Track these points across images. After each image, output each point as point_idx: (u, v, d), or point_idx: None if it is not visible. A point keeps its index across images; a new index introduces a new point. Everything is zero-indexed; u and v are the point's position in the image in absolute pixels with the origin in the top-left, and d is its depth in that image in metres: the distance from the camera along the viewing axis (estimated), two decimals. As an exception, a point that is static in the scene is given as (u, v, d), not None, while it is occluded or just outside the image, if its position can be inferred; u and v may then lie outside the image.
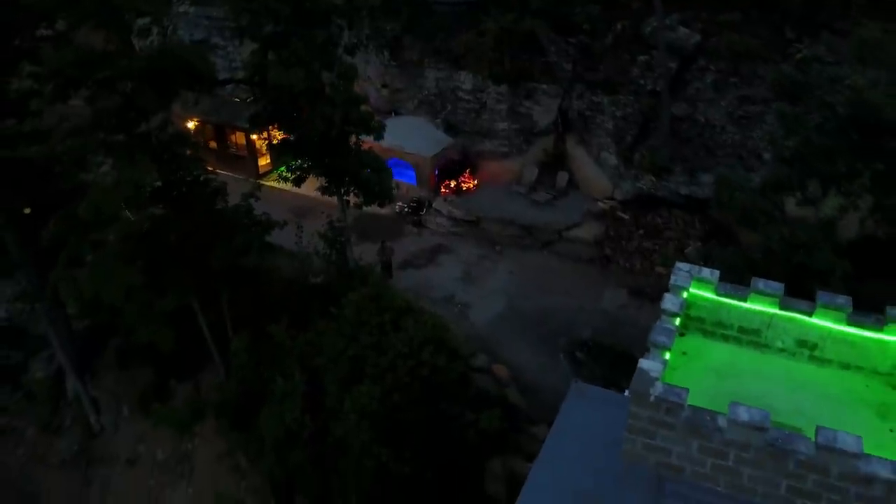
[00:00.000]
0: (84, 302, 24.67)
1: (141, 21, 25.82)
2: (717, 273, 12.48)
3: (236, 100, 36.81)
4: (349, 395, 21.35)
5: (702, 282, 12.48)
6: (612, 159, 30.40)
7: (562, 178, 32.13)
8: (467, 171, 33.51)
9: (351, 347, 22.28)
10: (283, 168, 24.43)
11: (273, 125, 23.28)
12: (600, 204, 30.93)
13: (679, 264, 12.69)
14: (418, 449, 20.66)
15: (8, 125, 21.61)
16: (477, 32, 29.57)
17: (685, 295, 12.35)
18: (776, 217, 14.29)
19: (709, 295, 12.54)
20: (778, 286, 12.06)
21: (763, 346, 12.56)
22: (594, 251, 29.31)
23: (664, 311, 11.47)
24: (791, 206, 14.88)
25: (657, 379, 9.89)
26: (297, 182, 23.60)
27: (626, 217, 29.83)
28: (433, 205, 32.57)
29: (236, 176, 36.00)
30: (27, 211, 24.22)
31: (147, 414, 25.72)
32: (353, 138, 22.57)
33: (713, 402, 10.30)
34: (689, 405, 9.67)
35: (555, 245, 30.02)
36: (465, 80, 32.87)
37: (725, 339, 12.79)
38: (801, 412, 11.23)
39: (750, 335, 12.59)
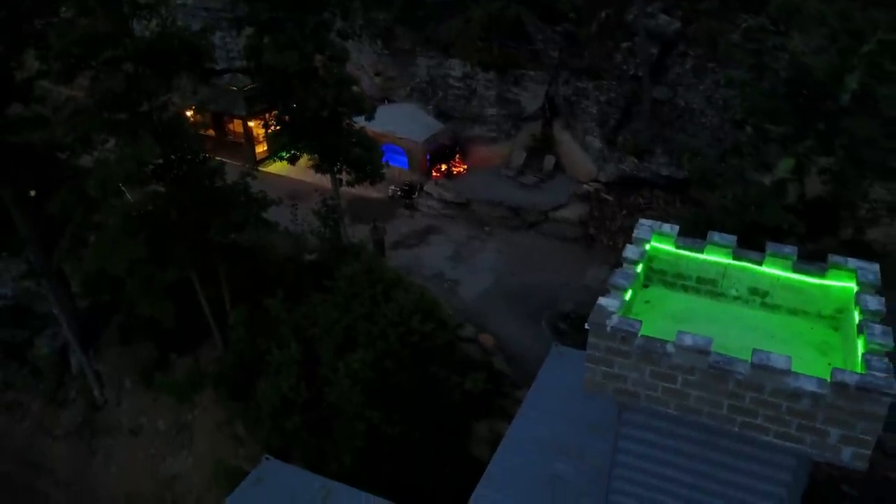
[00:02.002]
0: (87, 279, 25.86)
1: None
2: (676, 227, 13.56)
3: (234, 88, 37.85)
4: (342, 362, 22.50)
5: (662, 236, 13.56)
6: (597, 143, 31.52)
7: (549, 161, 33.27)
8: (458, 155, 34.65)
9: (344, 318, 23.40)
10: (282, 152, 25.46)
11: (269, 106, 24.28)
12: (585, 186, 32.05)
13: (642, 220, 13.81)
14: (407, 411, 21.80)
15: (13, 111, 22.73)
16: (464, 19, 30.67)
17: (647, 247, 13.46)
18: (732, 179, 15.38)
19: (669, 248, 13.63)
20: (731, 238, 13.16)
21: (719, 295, 13.64)
22: (579, 231, 30.44)
23: (625, 259, 12.58)
24: (755, 171, 15.98)
25: (614, 313, 10.98)
26: (292, 160, 24.66)
27: (610, 198, 30.95)
28: (425, 188, 33.68)
29: (234, 163, 37.07)
30: (32, 193, 25.31)
31: (148, 386, 26.81)
32: (345, 119, 23.62)
33: None
34: (642, 335, 10.73)
35: (541, 225, 31.16)
36: (455, 67, 33.97)
37: (686, 289, 13.85)
38: (750, 351, 12.34)
39: (707, 285, 13.67)
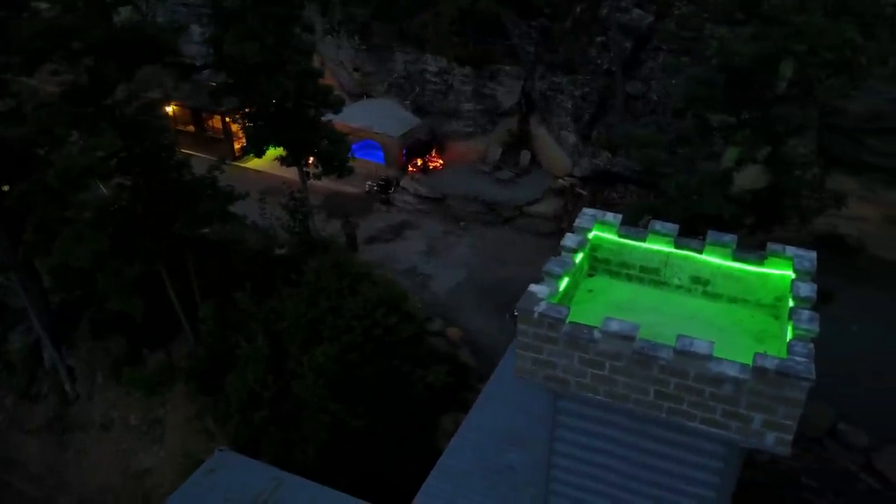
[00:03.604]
0: (57, 273, 25.81)
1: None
2: (619, 217, 13.56)
3: (213, 84, 37.87)
4: (307, 355, 22.52)
5: (605, 224, 13.55)
6: (571, 137, 31.51)
7: (524, 156, 33.27)
8: (434, 150, 34.63)
9: (310, 311, 23.41)
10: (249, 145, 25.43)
11: (238, 100, 24.26)
12: (560, 181, 32.06)
13: (585, 209, 13.81)
14: (371, 404, 21.80)
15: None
16: (433, 14, 30.65)
17: (589, 236, 13.46)
18: (681, 169, 15.36)
19: (612, 237, 13.63)
20: (672, 227, 13.15)
21: (663, 284, 13.63)
22: (553, 225, 30.44)
23: (562, 248, 12.57)
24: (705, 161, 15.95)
25: (543, 300, 10.97)
26: (258, 153, 24.64)
27: (585, 193, 30.96)
28: (401, 183, 33.67)
29: (213, 158, 37.01)
30: (6, 188, 25.27)
31: (120, 382, 26.81)
32: (311, 112, 23.61)
33: None
34: (569, 321, 10.73)
35: (515, 220, 31.16)
36: (431, 62, 33.96)
37: (630, 278, 13.85)
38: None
39: (651, 274, 13.67)
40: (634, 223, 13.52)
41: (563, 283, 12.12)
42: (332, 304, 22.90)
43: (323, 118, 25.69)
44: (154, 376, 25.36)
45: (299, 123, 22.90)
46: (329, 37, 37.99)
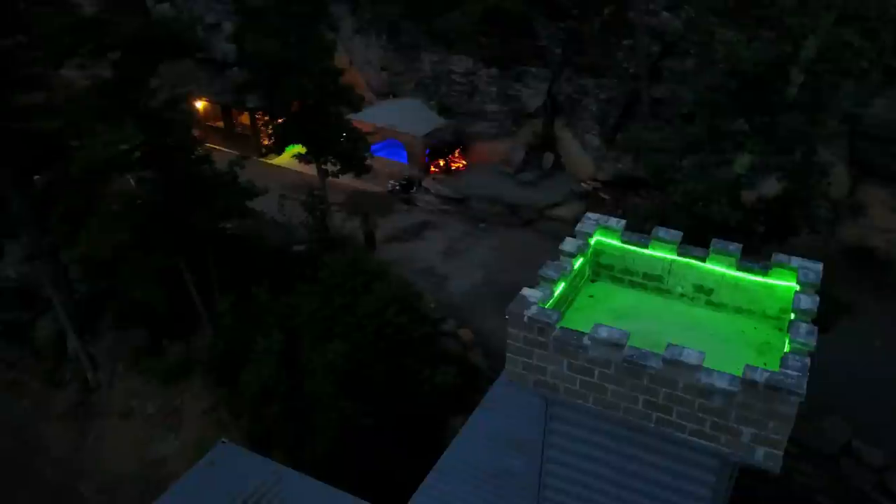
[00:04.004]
0: (83, 263, 26.51)
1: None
2: (622, 222, 13.35)
3: (255, 80, 38.37)
4: (318, 352, 22.68)
5: (608, 230, 13.36)
6: (596, 141, 31.18)
7: (548, 159, 33.02)
8: (458, 151, 34.58)
9: (324, 308, 23.59)
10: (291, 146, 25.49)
11: (254, 94, 24.58)
12: (583, 185, 31.73)
13: (588, 214, 13.65)
14: (381, 402, 21.84)
15: (35, 99, 23.25)
16: (461, 12, 30.57)
17: (590, 241, 13.29)
18: (693, 175, 14.99)
19: (615, 243, 13.43)
20: (676, 234, 12.88)
21: (665, 292, 13.38)
22: (574, 229, 30.06)
23: (561, 252, 12.43)
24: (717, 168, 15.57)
25: (534, 303, 10.85)
26: (278, 150, 24.89)
27: (607, 198, 30.59)
28: (423, 183, 33.71)
29: (240, 154, 37.56)
30: (36, 177, 25.97)
31: (139, 370, 27.35)
32: (331, 110, 23.76)
33: None
34: (560, 326, 10.59)
35: (536, 223, 30.94)
36: (458, 63, 33.91)
37: (632, 285, 13.63)
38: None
39: (654, 281, 13.42)
40: (640, 229, 13.29)
41: (559, 288, 11.99)
42: (346, 302, 23.03)
43: (347, 116, 25.87)
44: (171, 366, 25.83)
45: (318, 121, 23.07)
46: (358, 35, 38.25)
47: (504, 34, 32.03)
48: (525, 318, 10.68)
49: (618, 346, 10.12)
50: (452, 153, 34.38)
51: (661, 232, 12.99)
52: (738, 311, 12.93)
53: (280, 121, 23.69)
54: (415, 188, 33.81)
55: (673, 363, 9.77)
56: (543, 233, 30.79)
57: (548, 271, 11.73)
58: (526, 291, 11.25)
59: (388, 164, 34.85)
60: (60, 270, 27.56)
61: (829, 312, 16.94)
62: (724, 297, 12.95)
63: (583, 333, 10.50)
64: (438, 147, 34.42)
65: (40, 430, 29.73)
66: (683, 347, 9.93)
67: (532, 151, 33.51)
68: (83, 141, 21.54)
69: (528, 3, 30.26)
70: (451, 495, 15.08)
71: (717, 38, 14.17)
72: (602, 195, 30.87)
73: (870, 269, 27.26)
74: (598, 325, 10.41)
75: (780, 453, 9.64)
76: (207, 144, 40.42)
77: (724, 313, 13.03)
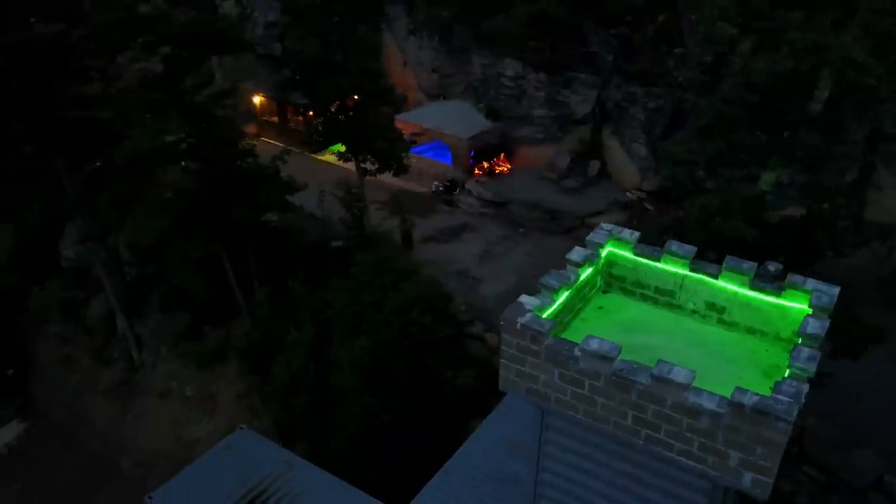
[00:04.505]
0: (131, 248, 27.68)
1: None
2: (636, 234, 13.14)
3: (297, 78, 39.34)
4: (345, 347, 23.06)
5: (621, 242, 13.17)
6: (643, 150, 30.64)
7: (593, 166, 32.63)
8: (502, 154, 34.53)
9: (354, 304, 23.96)
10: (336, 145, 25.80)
11: (295, 90, 25.12)
12: (628, 194, 31.22)
13: (602, 224, 13.49)
14: (402, 400, 22.05)
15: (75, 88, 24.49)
16: (505, 16, 30.49)
17: (601, 252, 13.15)
18: (719, 189, 14.53)
19: (628, 255, 13.24)
20: (690, 249, 12.59)
21: (677, 308, 13.09)
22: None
23: (567, 261, 12.33)
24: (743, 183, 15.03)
25: (529, 311, 10.81)
26: (318, 147, 25.42)
27: (651, 208, 30.01)
28: (466, 185, 33.81)
29: (293, 148, 38.49)
30: (98, 164, 27.24)
31: (178, 353, 28.37)
32: (371, 110, 24.12)
33: None
34: (552, 336, 10.53)
35: (577, 231, 30.58)
36: (508, 67, 33.88)
37: (644, 298, 13.39)
38: (689, 366, 11.78)
39: (665, 296, 13.17)
40: (656, 242, 13.05)
41: (562, 297, 11.89)
42: (374, 299, 23.33)
43: (397, 116, 26.14)
44: (207, 351, 26.67)
45: (356, 121, 23.47)
46: (412, 37, 38.65)
47: (553, 39, 31.80)
48: (518, 325, 10.65)
49: (607, 358, 9.98)
50: (497, 156, 34.36)
51: (674, 246, 12.71)
52: (751, 331, 12.55)
53: (318, 118, 24.18)
54: (458, 190, 33.94)
55: (661, 380, 9.58)
56: (582, 241, 30.40)
57: (549, 279, 11.64)
58: (523, 298, 11.20)
59: (433, 164, 35.09)
60: (111, 253, 28.82)
61: (860, 338, 16.27)
62: (736, 317, 12.60)
63: (574, 344, 10.41)
64: (483, 150, 34.45)
65: (87, 403, 31.21)
66: (674, 365, 9.72)
67: (578, 158, 33.18)
68: (131, 131, 22.56)
69: (577, 9, 29.93)
70: (453, 497, 15.16)
71: (735, 49, 13.79)
72: (646, 205, 30.31)
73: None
74: (589, 337, 10.29)
75: (769, 480, 9.33)
76: (262, 138, 41.99)
77: (736, 333, 12.66)
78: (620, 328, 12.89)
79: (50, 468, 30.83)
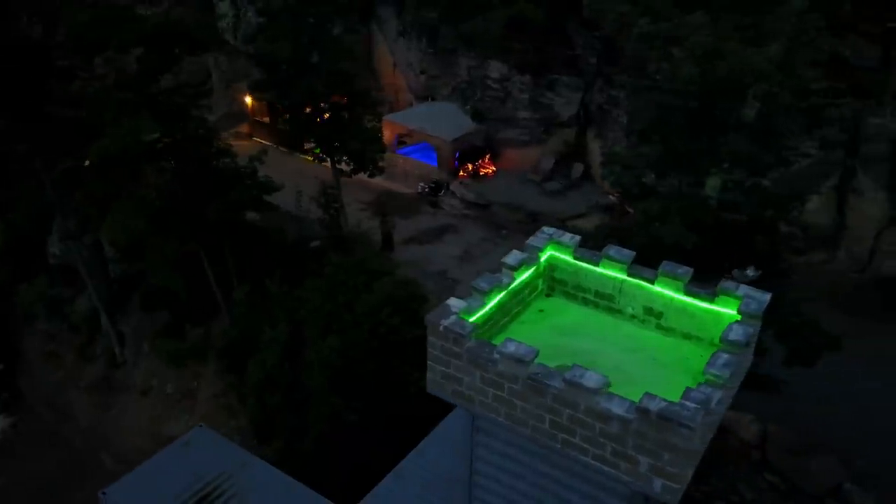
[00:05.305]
0: (114, 246, 27.96)
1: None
2: (576, 238, 13.19)
3: (271, 79, 39.47)
4: (316, 346, 23.20)
5: (561, 246, 13.22)
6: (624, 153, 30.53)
7: (577, 169, 32.61)
8: (487, 156, 34.55)
9: (327, 304, 24.09)
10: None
11: (268, 92, 25.29)
12: (611, 197, 31.14)
13: (544, 228, 13.54)
14: (369, 400, 22.15)
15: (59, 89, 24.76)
16: (482, 18, 30.49)
17: (544, 256, 13.19)
18: (667, 193, 14.51)
19: (568, 258, 13.28)
20: (628, 253, 12.63)
21: (617, 312, 13.13)
22: (591, 242, 29.59)
23: (502, 264, 12.38)
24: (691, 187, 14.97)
25: (455, 313, 10.87)
26: (292, 147, 25.57)
27: (632, 210, 29.88)
28: (450, 187, 33.85)
29: (282, 149, 38.67)
30: (73, 163, 27.48)
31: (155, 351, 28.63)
32: (345, 111, 24.23)
33: (541, 356, 10.83)
34: (474, 338, 10.59)
35: (557, 233, 30.56)
36: (493, 68, 33.90)
37: (585, 302, 13.43)
38: (622, 371, 11.79)
39: (606, 300, 13.20)
40: (600, 247, 13.09)
41: (494, 300, 11.93)
42: (347, 300, 23.43)
43: (384, 118, 26.16)
44: (182, 350, 26.88)
45: (330, 122, 23.59)
46: (402, 38, 38.74)
47: (537, 42, 31.77)
48: (441, 328, 10.72)
49: (523, 362, 10.03)
50: (482, 158, 34.39)
51: (612, 251, 12.74)
52: (687, 336, 12.56)
53: (288, 118, 24.32)
54: (443, 191, 33.99)
55: (574, 384, 9.63)
56: (563, 243, 30.41)
57: (480, 282, 11.70)
58: (451, 301, 11.27)
59: (419, 166, 35.18)
60: (94, 251, 29.12)
61: (816, 345, 16.19)
62: (672, 322, 12.61)
63: (494, 346, 10.47)
64: (468, 151, 34.48)
65: (71, 399, 31.56)
66: (587, 370, 9.75)
67: (562, 160, 33.16)
68: (106, 130, 22.80)
69: (558, 11, 29.85)
70: (400, 498, 15.21)
71: (661, 54, 13.76)
72: (627, 208, 30.18)
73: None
74: (507, 340, 10.35)
75: (678, 486, 9.34)
76: (254, 138, 42.21)
77: (673, 338, 12.67)
78: (558, 332, 12.94)
79: (34, 463, 31.19)
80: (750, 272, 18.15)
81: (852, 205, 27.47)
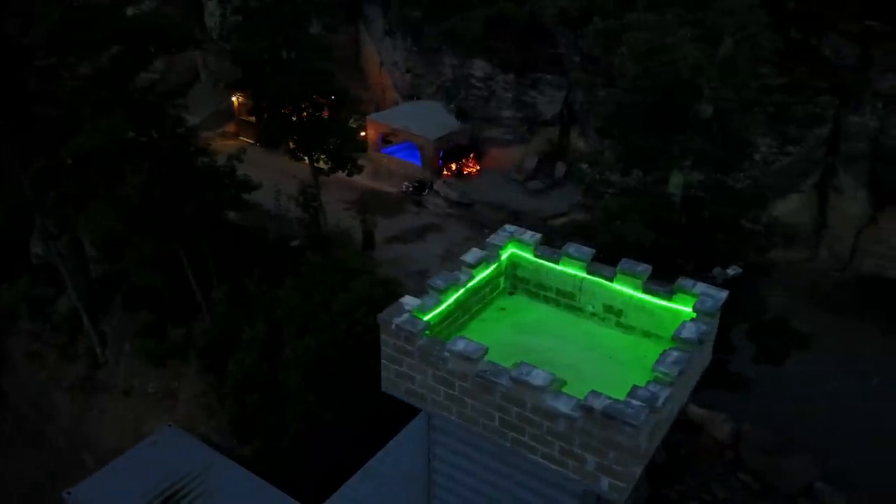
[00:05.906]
0: (96, 245, 27.87)
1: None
2: (537, 236, 13.14)
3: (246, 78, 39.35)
4: (292, 345, 23.15)
5: (522, 244, 13.17)
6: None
7: (560, 168, 32.57)
8: (471, 155, 34.49)
9: (305, 303, 24.04)
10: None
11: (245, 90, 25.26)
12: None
13: (506, 225, 13.50)
14: (344, 399, 22.09)
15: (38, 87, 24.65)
16: (462, 17, 30.41)
17: (504, 254, 13.14)
18: (631, 190, 14.46)
19: (529, 256, 13.23)
20: (587, 251, 12.59)
21: (578, 310, 13.09)
22: (566, 240, 29.56)
23: (462, 262, 12.33)
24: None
25: (408, 311, 10.81)
26: (269, 146, 25.52)
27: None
28: (434, 186, 33.80)
29: (266, 148, 38.59)
30: (70, 161, 27.41)
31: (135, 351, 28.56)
32: (321, 110, 24.16)
33: (498, 354, 10.77)
34: (426, 336, 10.53)
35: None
36: (478, 67, 33.85)
37: (547, 300, 13.40)
38: (577, 369, 11.72)
39: (567, 298, 13.16)
40: (557, 244, 13.04)
41: (451, 298, 11.88)
42: (324, 299, 23.37)
43: (368, 117, 26.13)
44: (161, 349, 26.81)
45: (305, 121, 23.53)
46: (388, 37, 38.70)
47: (520, 40, 31.71)
48: (393, 326, 10.67)
49: (471, 359, 9.98)
50: (466, 157, 34.34)
51: (572, 248, 12.70)
52: (646, 334, 12.52)
53: (265, 117, 24.28)
54: (427, 191, 33.95)
55: (520, 382, 9.58)
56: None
57: (436, 280, 11.66)
58: (405, 299, 11.22)
59: (403, 165, 35.14)
60: (74, 251, 29.02)
61: (785, 344, 16.15)
62: (632, 320, 12.57)
63: (444, 344, 10.41)
64: (452, 150, 34.43)
65: (54, 399, 31.44)
66: (534, 367, 9.70)
67: (545, 159, 33.12)
68: (80, 129, 22.72)
69: (539, 9, 29.79)
70: (363, 496, 15.18)
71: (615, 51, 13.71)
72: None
73: (884, 302, 25.70)
74: (457, 338, 10.30)
75: (624, 485, 9.29)
76: (241, 137, 42.13)
77: (633, 336, 12.63)
78: (517, 330, 12.89)
79: (16, 463, 31.12)
80: (731, 270, 18.11)
81: (833, 203, 27.46)
